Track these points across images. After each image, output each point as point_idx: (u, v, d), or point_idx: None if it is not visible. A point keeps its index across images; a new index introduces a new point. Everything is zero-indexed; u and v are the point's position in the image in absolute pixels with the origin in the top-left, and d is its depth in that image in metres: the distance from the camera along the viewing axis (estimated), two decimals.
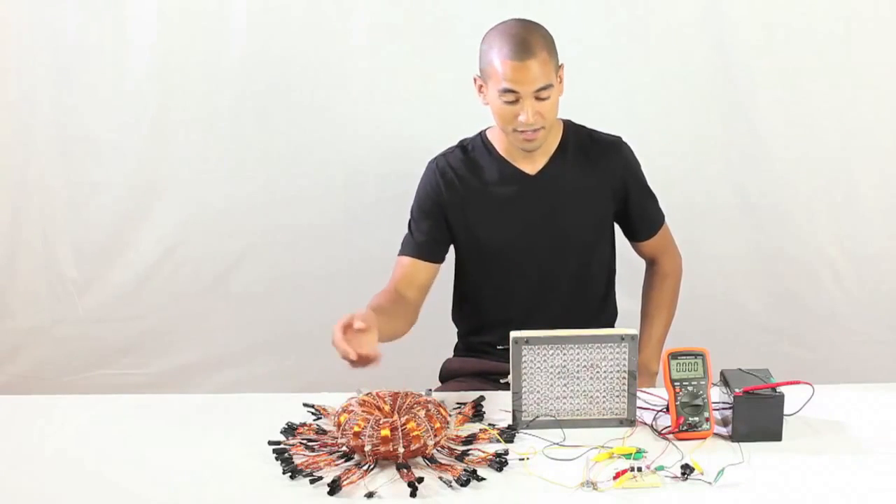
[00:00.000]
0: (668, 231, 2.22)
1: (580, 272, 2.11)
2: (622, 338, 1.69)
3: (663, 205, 2.21)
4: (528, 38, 1.91)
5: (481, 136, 2.12)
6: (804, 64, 2.72)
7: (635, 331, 1.70)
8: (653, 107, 2.75)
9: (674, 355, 1.69)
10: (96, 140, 2.83)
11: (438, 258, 2.12)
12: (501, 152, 2.07)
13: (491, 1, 2.68)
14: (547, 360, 1.69)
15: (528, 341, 1.68)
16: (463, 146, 2.12)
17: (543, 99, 1.92)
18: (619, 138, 2.14)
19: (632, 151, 2.14)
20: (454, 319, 2.23)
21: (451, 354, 2.25)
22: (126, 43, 2.75)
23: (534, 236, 2.07)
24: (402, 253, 2.13)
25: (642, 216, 2.17)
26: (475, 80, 2.02)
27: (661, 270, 2.22)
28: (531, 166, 2.06)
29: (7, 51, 2.78)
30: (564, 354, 1.69)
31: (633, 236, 2.20)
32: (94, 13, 2.74)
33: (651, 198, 2.18)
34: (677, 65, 2.73)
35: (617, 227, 2.19)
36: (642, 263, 2.28)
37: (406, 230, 2.13)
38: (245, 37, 2.73)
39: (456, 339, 2.25)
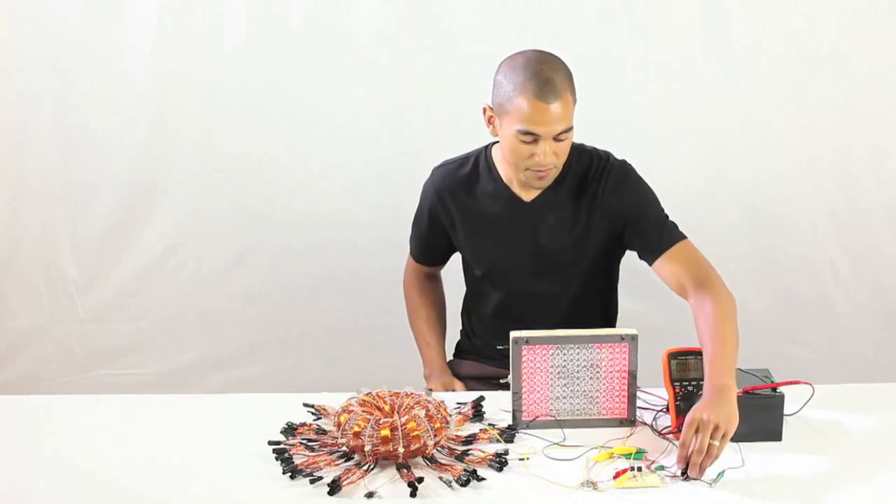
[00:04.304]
0: (689, 250, 1.91)
1: (576, 296, 2.01)
2: (622, 338, 1.69)
3: (663, 204, 2.18)
4: (553, 78, 1.77)
5: (486, 152, 2.02)
6: (804, 63, 2.72)
7: (635, 331, 1.70)
8: (652, 107, 2.75)
9: (674, 355, 1.69)
10: (96, 140, 2.83)
11: (437, 261, 2.20)
12: (502, 175, 1.98)
13: (491, 2, 2.68)
14: (547, 360, 1.69)
15: (528, 341, 1.68)
16: (465, 161, 2.04)
17: (562, 140, 1.82)
18: (623, 163, 1.97)
19: (633, 176, 1.97)
20: (462, 312, 2.21)
21: (452, 355, 2.25)
22: (126, 42, 2.75)
23: (522, 258, 2.00)
24: (410, 250, 2.20)
25: (652, 234, 1.94)
26: (485, 109, 1.88)
27: (699, 298, 1.84)
28: (528, 194, 1.97)
29: (7, 51, 2.78)
30: (564, 354, 1.69)
31: (646, 258, 1.97)
32: (94, 13, 2.73)
33: (655, 219, 1.96)
34: (677, 65, 2.73)
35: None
36: (645, 266, 2.26)
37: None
38: (245, 37, 2.73)
39: (458, 338, 2.24)
